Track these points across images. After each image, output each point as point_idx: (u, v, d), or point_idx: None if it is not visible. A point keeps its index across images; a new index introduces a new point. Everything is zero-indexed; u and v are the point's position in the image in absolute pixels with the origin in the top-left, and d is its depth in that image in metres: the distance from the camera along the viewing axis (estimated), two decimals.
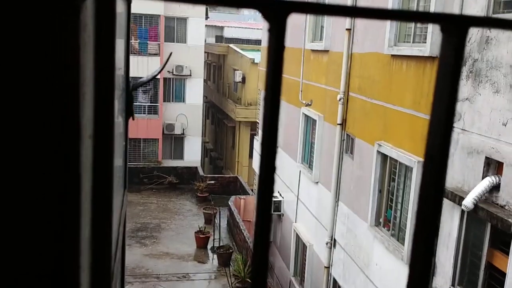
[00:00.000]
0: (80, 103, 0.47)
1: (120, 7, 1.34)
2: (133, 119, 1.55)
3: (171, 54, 2.97)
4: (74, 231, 0.54)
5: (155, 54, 24.30)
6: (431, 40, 7.11)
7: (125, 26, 1.74)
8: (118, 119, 1.16)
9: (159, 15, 24.44)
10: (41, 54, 0.45)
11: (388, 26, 8.36)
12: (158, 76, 23.51)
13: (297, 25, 13.01)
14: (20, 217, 0.50)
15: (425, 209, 0.46)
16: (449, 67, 0.41)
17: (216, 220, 17.55)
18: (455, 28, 0.41)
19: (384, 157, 8.63)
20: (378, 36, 8.78)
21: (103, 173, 0.68)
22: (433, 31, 7.10)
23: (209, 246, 16.72)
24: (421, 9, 7.79)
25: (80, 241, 0.58)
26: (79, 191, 0.51)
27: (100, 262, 0.76)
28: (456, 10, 6.61)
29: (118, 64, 1.20)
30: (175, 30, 25.37)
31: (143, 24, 24.48)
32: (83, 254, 0.61)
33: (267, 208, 0.43)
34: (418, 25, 7.86)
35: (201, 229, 16.97)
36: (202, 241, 16.69)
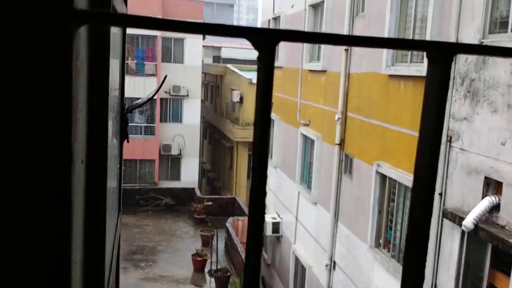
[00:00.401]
0: (72, 128, 0.47)
1: (114, 28, 1.35)
2: (127, 141, 1.55)
3: (165, 77, 2.99)
4: (65, 256, 0.53)
5: (152, 75, 24.45)
6: None
7: (120, 46, 1.75)
8: (113, 142, 1.16)
9: (156, 36, 24.70)
10: (34, 80, 0.45)
11: None
12: (155, 97, 23.60)
13: (295, 45, 13.14)
14: (8, 241, 0.50)
15: (415, 229, 0.46)
16: (435, 93, 0.42)
17: (213, 243, 17.36)
18: (440, 55, 0.41)
19: (383, 177, 8.62)
20: (375, 56, 8.87)
21: (96, 198, 0.68)
22: None
23: (206, 269, 16.50)
24: (417, 29, 7.90)
25: (71, 266, 0.57)
26: (70, 215, 0.51)
27: (93, 287, 0.75)
28: (452, 31, 6.70)
29: (113, 84, 1.20)
30: (172, 50, 25.59)
31: (140, 45, 24.70)
32: (75, 279, 0.61)
33: (259, 229, 0.43)
34: None
35: (198, 251, 16.77)
36: (199, 264, 16.47)
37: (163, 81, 2.47)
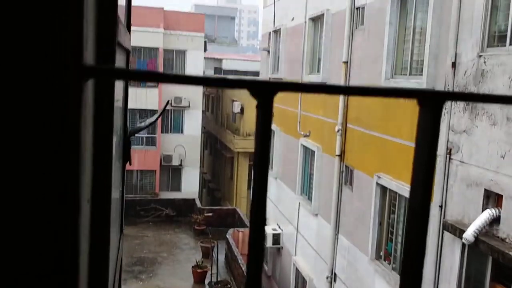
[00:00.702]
0: (80, 173, 0.49)
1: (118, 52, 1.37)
2: (130, 164, 1.58)
3: (168, 102, 3.05)
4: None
5: (154, 86, 24.56)
6: (428, 72, 7.23)
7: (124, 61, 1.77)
8: (115, 166, 1.18)
9: (158, 48, 24.87)
10: (44, 129, 0.47)
11: (384, 59, 8.51)
12: (156, 108, 23.68)
13: (295, 57, 13.23)
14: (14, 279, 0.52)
15: (411, 244, 0.48)
16: (427, 137, 0.44)
17: (213, 254, 17.30)
18: (431, 102, 0.43)
19: (383, 189, 8.62)
20: (375, 69, 8.92)
21: (100, 233, 0.69)
22: (429, 64, 7.22)
23: (206, 281, 16.41)
24: (416, 42, 7.95)
25: None
26: (77, 256, 0.53)
27: None
28: (451, 44, 6.75)
29: (116, 96, 1.22)
30: (173, 62, 25.76)
31: (142, 57, 24.87)
32: None
33: (260, 238, 0.45)
34: (415, 57, 8.00)
35: (198, 263, 16.69)
36: (199, 276, 16.39)
37: (165, 106, 2.52)
